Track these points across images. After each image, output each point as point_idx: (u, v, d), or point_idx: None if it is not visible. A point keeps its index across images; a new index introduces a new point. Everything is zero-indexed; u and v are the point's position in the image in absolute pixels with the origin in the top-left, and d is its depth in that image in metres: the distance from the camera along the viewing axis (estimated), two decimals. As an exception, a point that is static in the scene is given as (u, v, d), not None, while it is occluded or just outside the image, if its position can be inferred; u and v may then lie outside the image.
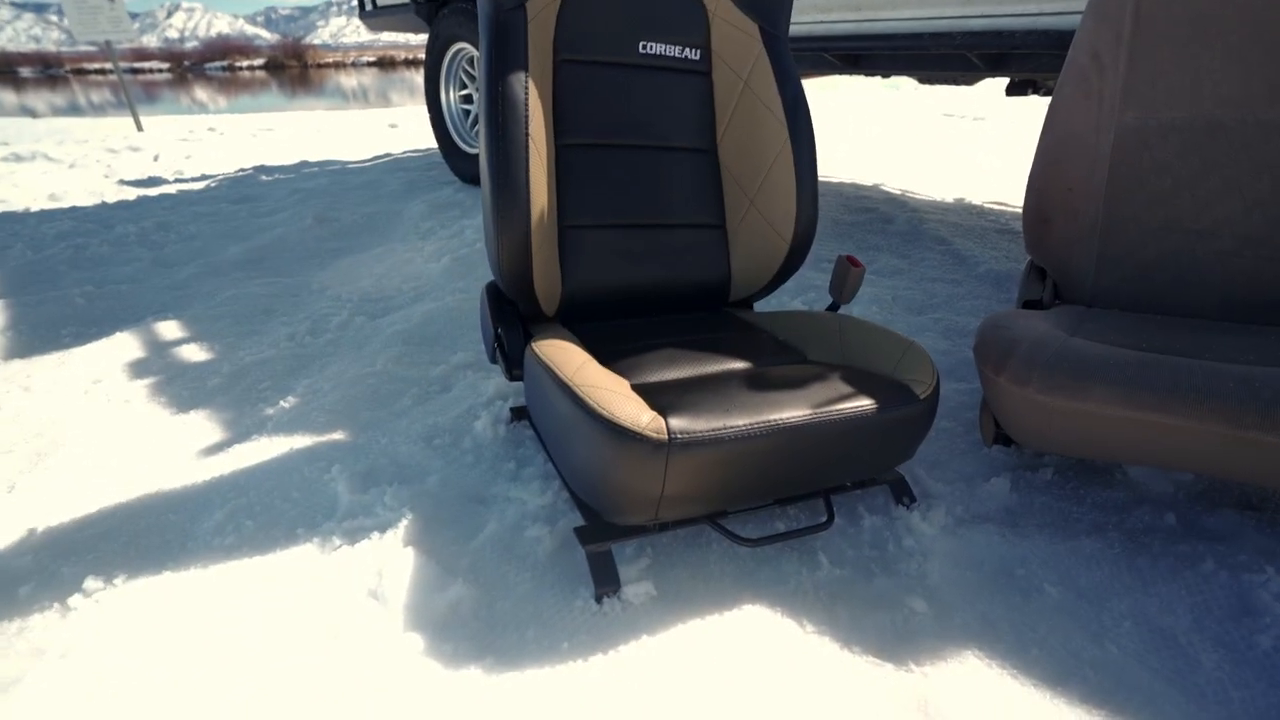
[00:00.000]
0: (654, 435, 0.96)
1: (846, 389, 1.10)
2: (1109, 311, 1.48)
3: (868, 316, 2.10)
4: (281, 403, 1.60)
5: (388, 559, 1.11)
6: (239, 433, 1.50)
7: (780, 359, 1.28)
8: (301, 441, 1.43)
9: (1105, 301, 1.53)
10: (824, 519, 1.15)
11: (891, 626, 0.99)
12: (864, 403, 1.07)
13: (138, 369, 1.82)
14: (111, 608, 1.05)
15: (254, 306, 2.25)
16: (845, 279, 1.41)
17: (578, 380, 1.04)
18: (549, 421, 1.14)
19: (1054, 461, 1.37)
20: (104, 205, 3.66)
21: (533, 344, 1.21)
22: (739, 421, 1.00)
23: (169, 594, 1.08)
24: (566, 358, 1.13)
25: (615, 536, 1.11)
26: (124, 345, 1.97)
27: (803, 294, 2.24)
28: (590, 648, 0.96)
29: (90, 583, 1.08)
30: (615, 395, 1.01)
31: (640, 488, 1.00)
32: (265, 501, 1.27)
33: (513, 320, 1.37)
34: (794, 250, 1.50)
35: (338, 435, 1.46)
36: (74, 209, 3.59)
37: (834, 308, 1.47)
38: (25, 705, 0.90)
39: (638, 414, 0.98)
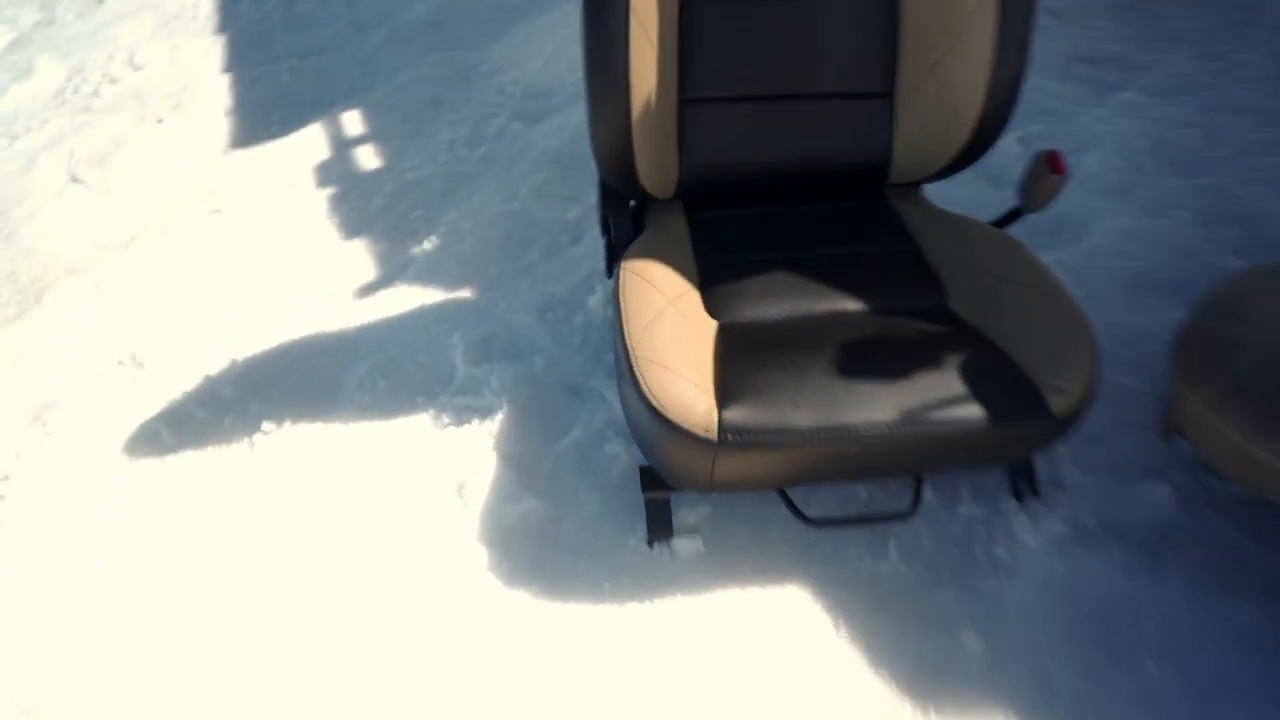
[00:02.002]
0: (702, 434, 0.89)
1: (956, 389, 0.91)
2: None
3: (1108, 166, 1.61)
4: (425, 243, 1.68)
5: (481, 454, 1.22)
6: (387, 273, 1.62)
7: (911, 296, 1.07)
8: (434, 296, 1.53)
9: None
10: (907, 506, 1.05)
11: (932, 657, 0.94)
12: (971, 413, 0.89)
13: (323, 175, 1.98)
14: (281, 445, 1.30)
15: (424, 95, 2.26)
16: (1039, 184, 1.08)
17: (641, 348, 0.96)
18: (617, 359, 1.09)
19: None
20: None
21: (624, 262, 1.11)
22: (803, 423, 0.89)
23: (319, 441, 1.30)
24: (645, 300, 1.03)
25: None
26: (315, 142, 2.12)
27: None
28: (629, 593, 1.04)
29: (267, 425, 1.33)
30: (673, 377, 0.92)
31: (688, 470, 0.96)
32: (398, 360, 1.41)
33: (622, 209, 1.26)
34: (984, 129, 1.15)
35: (464, 293, 1.52)
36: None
37: (1014, 215, 1.15)
38: (235, 504, 1.20)
39: (691, 405, 0.90)
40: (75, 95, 2.61)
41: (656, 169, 1.19)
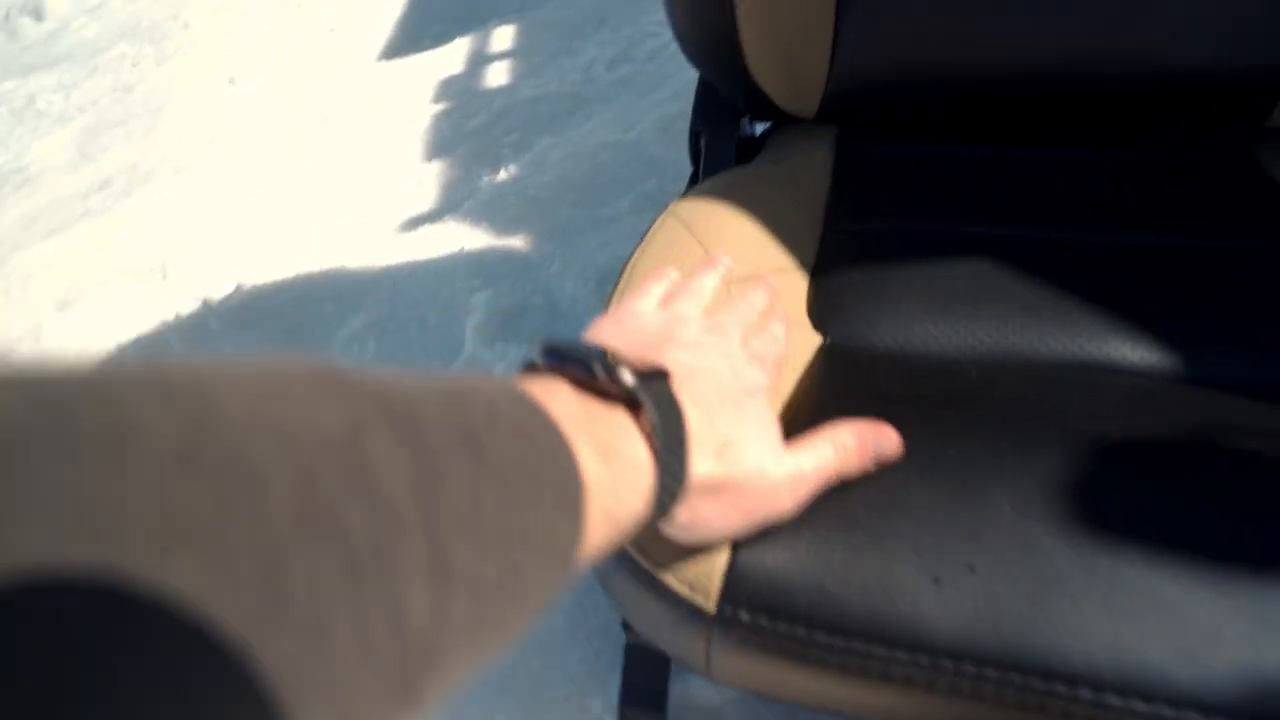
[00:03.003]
0: (686, 593, 0.36)
1: None
2: None
3: None
4: (503, 171, 1.28)
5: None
6: (445, 205, 1.25)
7: None
8: (478, 240, 1.12)
9: None
10: None
11: None
12: None
13: (439, 90, 1.67)
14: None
15: (589, 13, 1.86)
16: None
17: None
18: None
19: None
20: None
21: (676, 203, 0.59)
22: (939, 631, 0.33)
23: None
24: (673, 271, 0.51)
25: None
26: (452, 57, 1.82)
27: None
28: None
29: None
30: None
31: (671, 642, 0.44)
32: (402, 318, 1.03)
33: (725, 121, 0.75)
34: None
35: (514, 241, 1.10)
36: None
37: None
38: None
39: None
40: (282, 7, 2.60)
41: (787, 61, 0.65)
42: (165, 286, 1.23)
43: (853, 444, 0.34)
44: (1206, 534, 0.34)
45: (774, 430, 0.32)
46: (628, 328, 0.33)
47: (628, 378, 0.25)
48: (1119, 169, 0.60)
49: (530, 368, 0.27)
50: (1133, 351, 0.47)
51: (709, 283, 0.40)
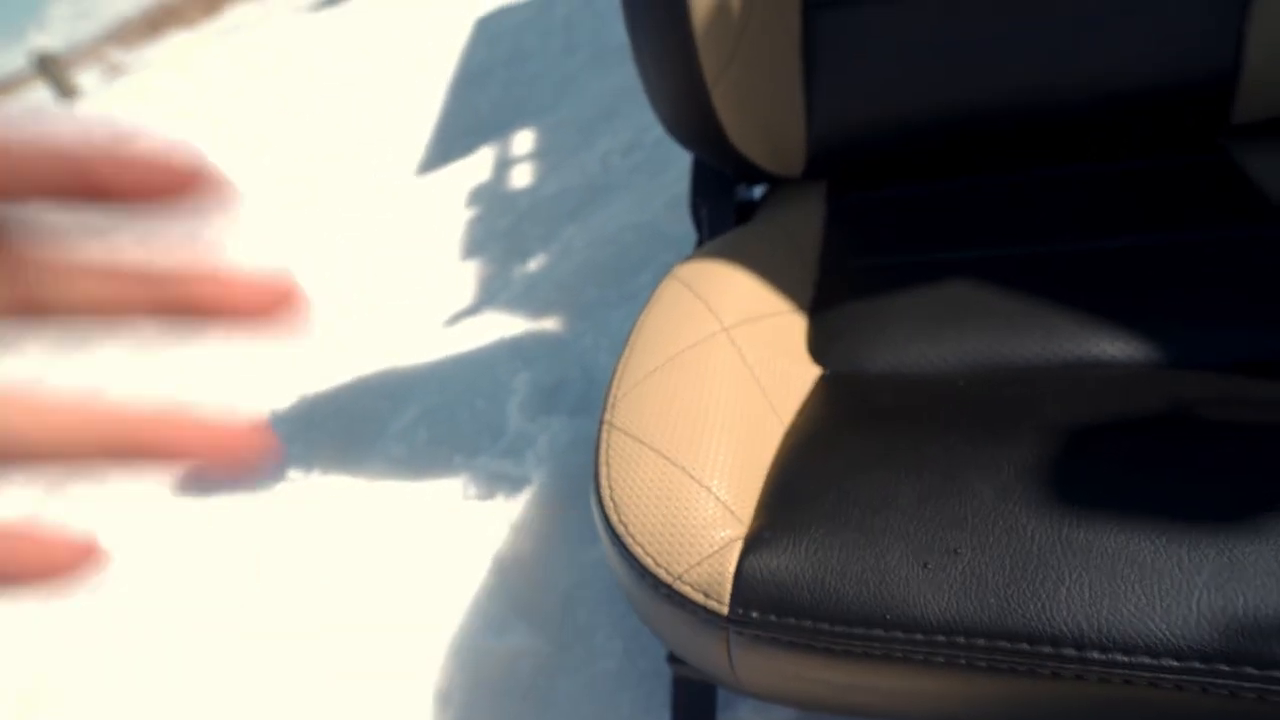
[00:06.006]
0: (699, 598, 0.41)
1: None
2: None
3: None
4: (533, 262, 1.38)
5: (487, 546, 0.84)
6: (482, 299, 1.34)
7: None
8: (515, 326, 1.21)
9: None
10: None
11: None
12: None
13: (471, 196, 1.81)
14: (299, 496, 1.06)
15: (602, 107, 2.02)
16: None
17: (621, 411, 0.50)
18: None
19: None
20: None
21: (679, 265, 0.66)
22: (932, 610, 0.36)
23: (336, 498, 1.03)
24: (677, 324, 0.56)
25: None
26: (480, 165, 1.98)
27: None
28: None
29: (294, 473, 1.11)
30: (669, 475, 0.45)
31: (696, 653, 0.47)
32: (451, 406, 1.11)
33: (720, 192, 0.82)
34: None
35: (548, 324, 1.18)
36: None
37: None
38: (236, 553, 0.98)
39: (689, 536, 0.42)
40: (322, 133, 2.86)
41: (765, 131, 0.73)
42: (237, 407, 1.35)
43: None
44: (1175, 496, 0.37)
45: None
46: None
47: None
48: (1090, 182, 0.65)
49: None
50: (1111, 346, 0.50)
51: None
